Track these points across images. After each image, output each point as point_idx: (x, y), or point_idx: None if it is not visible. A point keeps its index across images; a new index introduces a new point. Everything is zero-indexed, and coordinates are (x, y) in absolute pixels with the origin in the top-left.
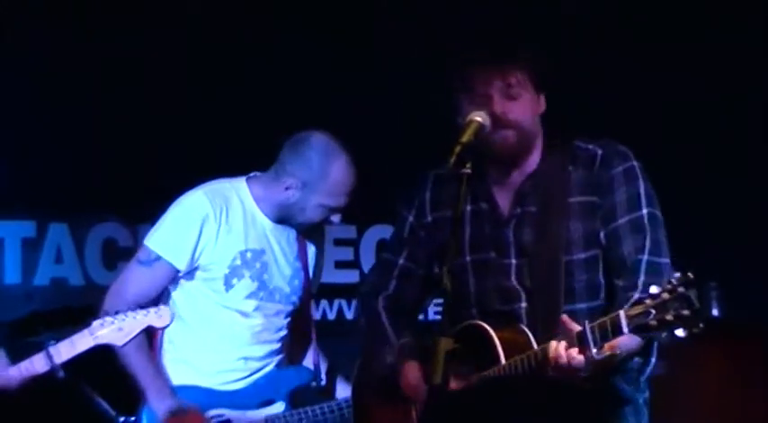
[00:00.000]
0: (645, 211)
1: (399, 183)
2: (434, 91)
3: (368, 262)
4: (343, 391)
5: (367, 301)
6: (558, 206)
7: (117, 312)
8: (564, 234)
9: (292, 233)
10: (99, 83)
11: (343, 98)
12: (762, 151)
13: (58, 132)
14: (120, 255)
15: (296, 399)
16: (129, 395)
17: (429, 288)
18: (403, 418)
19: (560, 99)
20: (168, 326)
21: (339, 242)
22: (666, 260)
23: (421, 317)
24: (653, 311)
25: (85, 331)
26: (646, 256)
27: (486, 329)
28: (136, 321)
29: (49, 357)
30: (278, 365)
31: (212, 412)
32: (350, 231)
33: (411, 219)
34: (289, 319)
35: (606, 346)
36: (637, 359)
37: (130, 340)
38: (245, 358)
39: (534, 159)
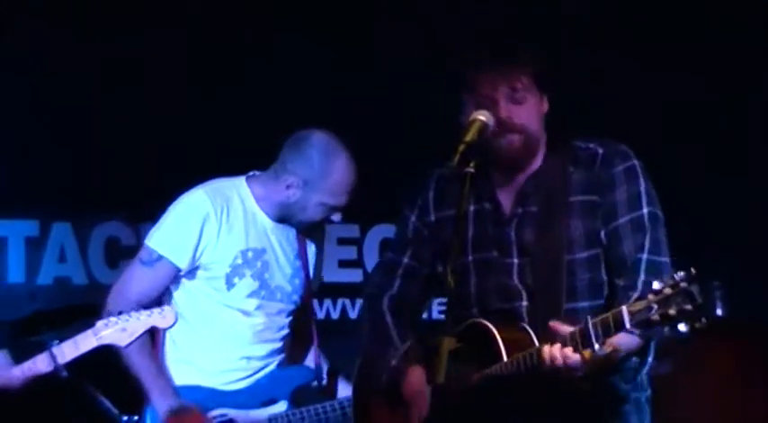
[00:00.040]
0: (645, 210)
1: (403, 182)
2: (435, 90)
3: (371, 261)
4: (344, 390)
5: (372, 302)
6: (560, 205)
7: (121, 313)
8: (565, 233)
9: (292, 232)
10: (100, 82)
11: (343, 98)
12: (762, 151)
13: (61, 132)
14: (123, 254)
15: (298, 398)
16: (132, 395)
17: (432, 287)
18: (403, 419)
19: (560, 99)
20: (172, 326)
21: (342, 241)
22: (666, 259)
23: (425, 316)
24: (655, 306)
25: (89, 331)
26: (646, 255)
27: (488, 327)
28: (139, 322)
29: (53, 357)
30: (279, 365)
31: (215, 412)
32: (353, 230)
33: (414, 218)
34: (290, 318)
35: (608, 342)
36: (634, 359)
37: (134, 341)
38: (248, 358)
39: (537, 160)
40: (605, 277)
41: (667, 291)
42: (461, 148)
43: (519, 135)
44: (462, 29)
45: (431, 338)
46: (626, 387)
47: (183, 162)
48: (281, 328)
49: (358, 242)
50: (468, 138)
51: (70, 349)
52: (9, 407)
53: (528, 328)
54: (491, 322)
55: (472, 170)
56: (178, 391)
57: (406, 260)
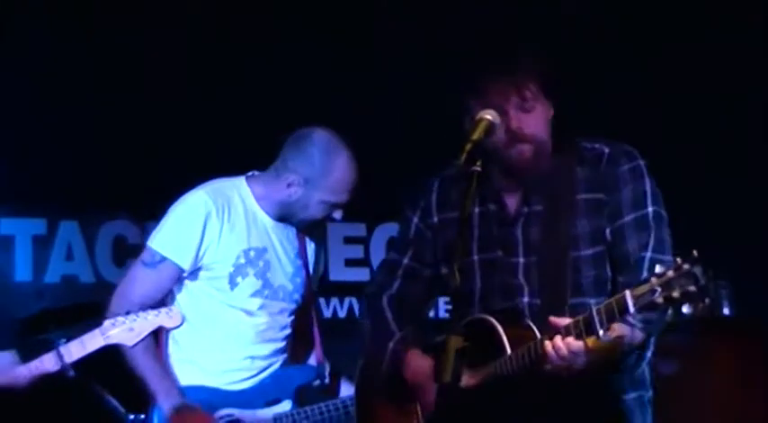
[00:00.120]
0: (650, 209)
1: (408, 181)
2: (435, 90)
3: (378, 259)
4: (347, 389)
5: (372, 301)
6: (566, 203)
7: (128, 313)
8: (571, 230)
9: (292, 231)
10: (106, 82)
11: (343, 98)
12: (762, 151)
13: (68, 131)
14: (129, 252)
15: (301, 397)
16: (138, 393)
17: (435, 288)
18: (406, 418)
19: (560, 99)
20: (179, 326)
21: (349, 240)
22: (669, 258)
23: (432, 314)
24: (659, 289)
25: (96, 331)
26: (649, 254)
27: (491, 322)
28: (147, 322)
29: (60, 357)
30: (282, 364)
31: (221, 412)
32: (360, 229)
33: (416, 220)
34: (292, 317)
35: (612, 327)
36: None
37: (140, 341)
38: (251, 357)
39: (543, 161)
40: (610, 274)
41: (670, 273)
42: (468, 146)
43: (529, 145)
44: (462, 29)
45: (433, 334)
46: (627, 387)
47: (183, 162)
48: (284, 328)
49: (365, 241)
50: (475, 136)
51: (77, 348)
52: (16, 406)
53: (531, 324)
54: (495, 318)
55: (479, 169)
56: (183, 391)
57: (406, 261)
